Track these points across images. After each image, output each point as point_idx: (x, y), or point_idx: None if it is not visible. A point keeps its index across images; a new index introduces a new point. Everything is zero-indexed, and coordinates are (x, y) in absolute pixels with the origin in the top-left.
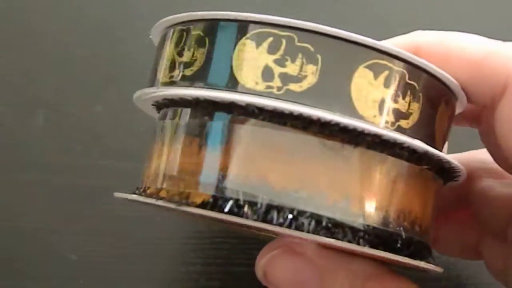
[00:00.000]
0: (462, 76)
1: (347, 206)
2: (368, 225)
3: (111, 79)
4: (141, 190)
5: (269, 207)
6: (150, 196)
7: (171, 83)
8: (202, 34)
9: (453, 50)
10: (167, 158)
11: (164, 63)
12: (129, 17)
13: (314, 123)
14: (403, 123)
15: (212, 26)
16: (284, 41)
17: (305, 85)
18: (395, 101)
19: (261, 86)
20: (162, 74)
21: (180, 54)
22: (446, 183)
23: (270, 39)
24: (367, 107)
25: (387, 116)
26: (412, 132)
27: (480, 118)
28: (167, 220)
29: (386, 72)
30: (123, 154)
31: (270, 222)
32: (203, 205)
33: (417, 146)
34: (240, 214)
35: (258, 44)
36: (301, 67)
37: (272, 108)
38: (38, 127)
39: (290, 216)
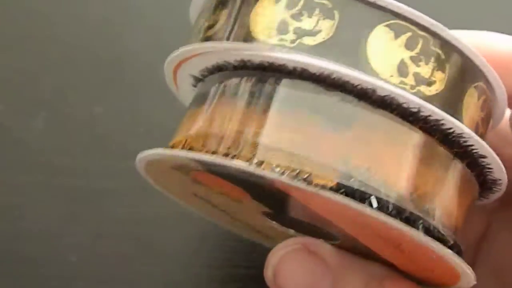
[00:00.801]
0: None
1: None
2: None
3: (111, 80)
4: (218, 153)
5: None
6: (260, 166)
7: (281, 46)
8: (330, 5)
9: (481, 50)
10: (261, 125)
11: (265, 21)
12: (130, 17)
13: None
14: (425, 89)
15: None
16: None
17: (319, 39)
18: (417, 65)
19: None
20: (264, 32)
21: (295, 17)
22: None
23: None
24: (384, 65)
25: (407, 78)
26: (437, 100)
27: None
28: (167, 222)
29: (408, 34)
30: (124, 155)
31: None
32: (335, 190)
33: (446, 117)
34: (386, 212)
35: None
36: (318, 21)
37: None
38: (38, 128)
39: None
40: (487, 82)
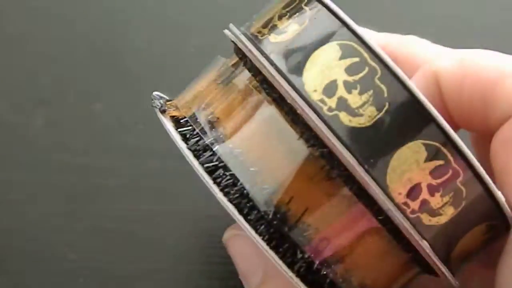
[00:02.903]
0: (475, 99)
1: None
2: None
3: (111, 77)
4: None
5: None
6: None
7: (319, 105)
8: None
9: (469, 73)
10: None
11: (319, 72)
12: (130, 14)
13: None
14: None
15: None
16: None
17: (354, 121)
18: (432, 194)
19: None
20: (312, 84)
21: (347, 86)
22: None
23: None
24: (399, 182)
25: (413, 202)
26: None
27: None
28: (166, 219)
29: (440, 162)
30: (123, 151)
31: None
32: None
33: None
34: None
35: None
36: (364, 103)
37: None
38: (38, 125)
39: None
40: (451, 145)
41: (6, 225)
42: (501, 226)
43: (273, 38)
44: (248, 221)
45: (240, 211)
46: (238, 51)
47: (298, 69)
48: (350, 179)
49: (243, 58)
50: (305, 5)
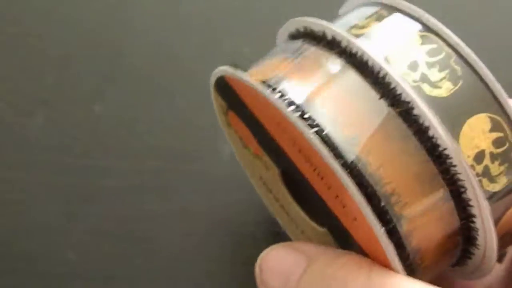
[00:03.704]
0: None
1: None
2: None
3: (111, 78)
4: None
5: None
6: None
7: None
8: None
9: None
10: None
11: (402, 53)
12: (130, 16)
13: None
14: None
15: None
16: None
17: (434, 93)
18: (492, 161)
19: None
20: (397, 59)
21: (428, 65)
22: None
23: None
24: (468, 146)
25: (478, 166)
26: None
27: None
28: (167, 219)
29: (501, 134)
30: (124, 153)
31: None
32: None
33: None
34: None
35: None
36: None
37: None
38: (38, 126)
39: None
40: (508, 121)
41: (6, 226)
42: (508, 124)
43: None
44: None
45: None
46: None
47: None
48: (425, 137)
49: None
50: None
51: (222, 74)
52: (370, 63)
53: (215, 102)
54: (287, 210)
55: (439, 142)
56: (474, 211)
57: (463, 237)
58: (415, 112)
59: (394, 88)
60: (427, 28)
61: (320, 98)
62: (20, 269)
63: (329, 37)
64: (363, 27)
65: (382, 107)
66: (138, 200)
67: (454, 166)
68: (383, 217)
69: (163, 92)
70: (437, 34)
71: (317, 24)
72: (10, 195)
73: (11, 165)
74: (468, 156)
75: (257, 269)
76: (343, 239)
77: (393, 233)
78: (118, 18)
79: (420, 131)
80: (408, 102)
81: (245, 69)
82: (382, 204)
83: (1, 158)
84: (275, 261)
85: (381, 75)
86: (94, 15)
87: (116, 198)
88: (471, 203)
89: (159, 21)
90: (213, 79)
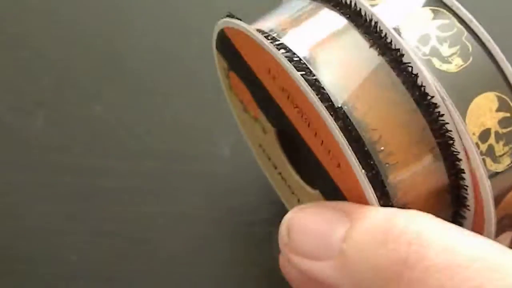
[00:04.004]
0: None
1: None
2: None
3: (111, 78)
4: None
5: None
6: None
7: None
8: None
9: None
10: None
11: (414, 28)
12: (129, 16)
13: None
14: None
15: None
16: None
17: (443, 67)
18: (497, 141)
19: None
20: (409, 32)
21: (439, 40)
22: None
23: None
24: (474, 124)
25: (482, 144)
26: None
27: None
28: (167, 221)
29: (507, 114)
30: (123, 153)
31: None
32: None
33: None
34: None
35: None
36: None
37: None
38: (38, 126)
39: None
40: None
41: (6, 227)
42: None
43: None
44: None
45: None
46: None
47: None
48: (414, 86)
49: None
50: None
51: (222, 27)
52: (366, 13)
53: (218, 64)
54: (284, 176)
55: (427, 90)
56: (463, 165)
57: (453, 196)
58: (404, 60)
59: (385, 36)
60: (439, 2)
61: (314, 46)
62: (20, 270)
63: None
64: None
65: (373, 55)
66: (138, 201)
67: (442, 115)
68: (366, 161)
69: (162, 93)
70: (449, 9)
71: None
72: (10, 196)
73: (11, 166)
74: (474, 134)
75: (283, 230)
76: (332, 198)
77: (376, 181)
78: (117, 19)
79: (409, 79)
80: (398, 50)
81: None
82: (366, 148)
83: (1, 158)
84: (309, 219)
85: (373, 23)
86: (93, 16)
87: (116, 199)
88: (459, 156)
89: (157, 22)
90: (215, 36)
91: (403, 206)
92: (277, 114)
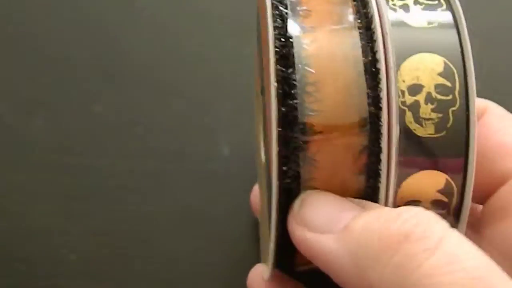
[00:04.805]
0: None
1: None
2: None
3: (111, 78)
4: None
5: None
6: None
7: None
8: None
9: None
10: None
11: None
12: (129, 16)
13: None
14: (408, 117)
15: None
16: None
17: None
18: (426, 102)
19: None
20: None
21: None
22: None
23: None
24: (408, 73)
25: (409, 96)
26: (403, 128)
27: None
28: (167, 220)
29: (448, 84)
30: (123, 154)
31: None
32: None
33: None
34: None
35: None
36: None
37: None
38: (38, 127)
39: None
40: (463, 77)
41: (5, 226)
42: (457, 192)
43: None
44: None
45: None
46: None
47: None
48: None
49: None
50: None
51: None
52: None
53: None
54: (263, 155)
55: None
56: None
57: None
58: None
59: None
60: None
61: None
62: (19, 270)
63: None
64: None
65: (351, 18)
66: (138, 201)
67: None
68: (290, 93)
69: (162, 92)
70: None
71: None
72: (9, 195)
73: (10, 166)
74: (404, 81)
75: (296, 203)
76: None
77: (291, 117)
78: (118, 19)
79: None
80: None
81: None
82: (295, 82)
83: (1, 158)
84: (324, 200)
85: None
86: (93, 16)
87: (115, 198)
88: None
89: (158, 22)
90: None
91: (313, 155)
92: (262, 75)
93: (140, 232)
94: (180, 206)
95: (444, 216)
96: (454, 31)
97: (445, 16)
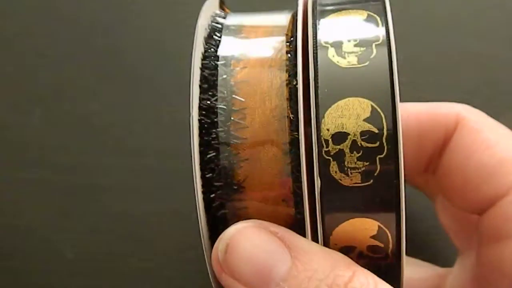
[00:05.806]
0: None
1: None
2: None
3: (108, 76)
4: None
5: None
6: None
7: None
8: None
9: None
10: None
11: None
12: (126, 15)
13: None
14: (333, 166)
15: None
16: None
17: None
18: (351, 151)
19: None
20: None
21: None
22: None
23: None
24: (333, 121)
25: (333, 145)
26: (326, 177)
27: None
28: (164, 218)
29: (375, 130)
30: (121, 151)
31: None
32: None
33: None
34: None
35: None
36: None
37: None
38: (35, 125)
39: None
40: (392, 122)
41: (4, 225)
42: (388, 241)
43: None
44: None
45: None
46: None
47: None
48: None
49: None
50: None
51: None
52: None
53: None
54: None
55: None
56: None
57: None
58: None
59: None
60: (377, 9)
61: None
62: (18, 268)
63: None
64: None
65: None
66: (136, 199)
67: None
68: (213, 120)
69: (160, 91)
70: (382, 17)
71: None
72: (7, 193)
73: (8, 164)
74: (328, 130)
75: (221, 246)
76: None
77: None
78: (115, 17)
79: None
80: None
81: None
82: (223, 108)
83: None
84: (250, 243)
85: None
86: (91, 14)
87: (113, 197)
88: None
89: (156, 20)
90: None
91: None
92: None
93: (137, 230)
94: (178, 206)
95: (383, 259)
96: (385, 70)
97: (379, 52)
